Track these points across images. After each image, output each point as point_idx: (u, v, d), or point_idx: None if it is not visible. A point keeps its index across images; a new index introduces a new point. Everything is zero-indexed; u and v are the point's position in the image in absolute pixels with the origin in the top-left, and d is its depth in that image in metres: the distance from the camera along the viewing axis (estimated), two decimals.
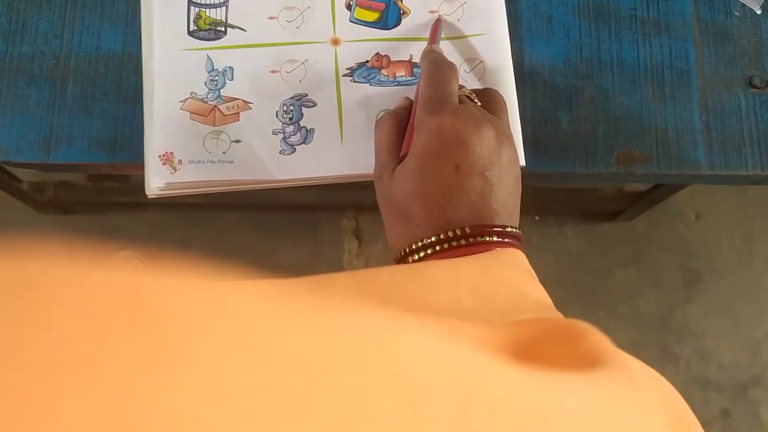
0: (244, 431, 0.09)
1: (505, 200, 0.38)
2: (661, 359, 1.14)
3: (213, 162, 0.46)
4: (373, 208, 0.42)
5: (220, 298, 0.11)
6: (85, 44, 0.49)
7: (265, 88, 0.47)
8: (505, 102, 0.44)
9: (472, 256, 0.35)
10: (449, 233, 0.36)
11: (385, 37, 0.49)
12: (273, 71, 0.48)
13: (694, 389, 1.13)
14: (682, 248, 1.19)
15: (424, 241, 0.37)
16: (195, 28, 0.48)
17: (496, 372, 0.15)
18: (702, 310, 1.17)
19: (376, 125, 0.43)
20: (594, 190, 1.13)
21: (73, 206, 1.13)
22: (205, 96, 0.47)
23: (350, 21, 0.49)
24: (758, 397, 1.14)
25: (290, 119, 0.47)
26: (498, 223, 0.37)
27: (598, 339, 0.21)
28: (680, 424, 0.23)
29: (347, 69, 0.48)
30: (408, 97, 0.45)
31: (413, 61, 0.49)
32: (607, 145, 0.49)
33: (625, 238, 1.19)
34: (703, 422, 0.23)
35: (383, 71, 0.48)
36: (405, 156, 0.40)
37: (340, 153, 0.46)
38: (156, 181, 0.45)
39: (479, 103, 0.42)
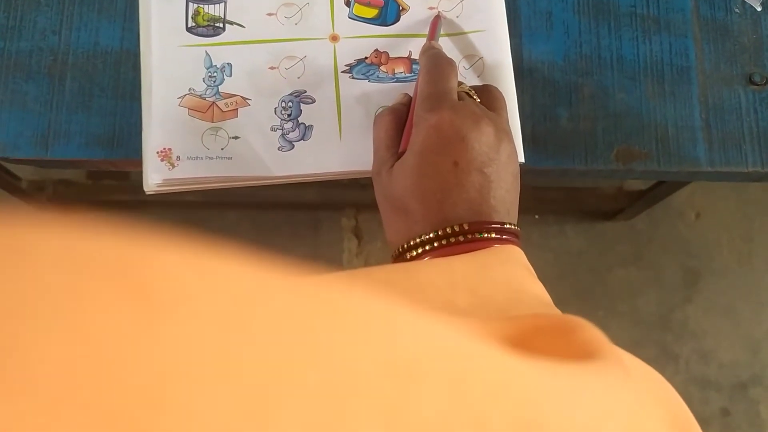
0: (232, 403, 0.09)
1: (504, 197, 0.38)
2: (660, 358, 1.14)
3: (211, 158, 0.45)
4: (373, 206, 0.42)
5: (212, 270, 0.11)
6: (83, 40, 0.49)
7: (263, 85, 0.47)
8: (504, 99, 0.43)
9: (470, 253, 0.35)
10: (447, 229, 0.36)
11: (384, 34, 0.49)
12: (271, 68, 0.48)
13: (694, 388, 1.13)
14: (682, 247, 1.19)
15: (422, 238, 0.37)
16: (193, 24, 0.48)
17: (491, 356, 0.15)
18: (702, 310, 1.17)
19: (374, 121, 0.43)
20: (594, 189, 1.13)
21: (72, 205, 1.13)
22: (204, 92, 0.47)
23: (349, 17, 0.49)
24: (758, 396, 1.14)
25: (289, 116, 0.47)
26: (496, 219, 0.37)
27: (593, 334, 0.21)
28: (676, 418, 0.22)
29: (346, 65, 0.48)
30: (407, 94, 0.45)
31: (412, 57, 0.48)
32: (607, 141, 0.49)
33: (625, 237, 1.18)
34: (703, 421, 0.23)
35: (382, 68, 0.48)
36: (403, 152, 0.40)
37: (339, 149, 0.46)
38: (154, 178, 0.45)
39: (478, 100, 0.42)
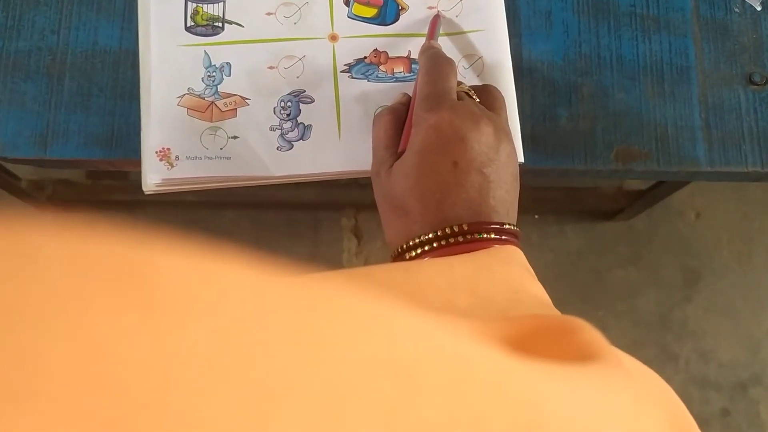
0: (234, 406, 0.09)
1: (503, 197, 0.38)
2: (660, 358, 1.14)
3: (210, 158, 0.45)
4: (373, 206, 0.42)
5: (215, 274, 0.11)
6: (81, 40, 0.49)
7: (262, 84, 0.47)
8: (503, 98, 0.43)
9: (469, 254, 0.35)
10: (447, 230, 0.36)
11: (383, 33, 0.49)
12: (271, 67, 0.47)
13: (694, 388, 1.13)
14: (681, 247, 1.19)
15: (422, 238, 0.37)
16: (192, 23, 0.48)
17: (491, 357, 0.15)
18: (701, 310, 1.17)
19: (373, 121, 0.43)
20: (594, 189, 1.13)
21: (72, 204, 1.13)
22: (203, 92, 0.47)
23: (348, 17, 0.49)
24: (758, 396, 1.14)
25: (288, 115, 0.47)
26: (496, 220, 0.37)
27: (592, 335, 0.21)
28: (676, 420, 0.22)
29: (345, 65, 0.48)
30: (406, 93, 0.45)
31: (411, 57, 0.48)
32: (606, 141, 0.49)
33: (624, 237, 1.18)
34: (703, 421, 0.23)
35: (381, 67, 0.48)
36: (403, 152, 0.40)
37: (338, 149, 0.46)
38: (153, 177, 0.45)
39: (478, 100, 0.42)
